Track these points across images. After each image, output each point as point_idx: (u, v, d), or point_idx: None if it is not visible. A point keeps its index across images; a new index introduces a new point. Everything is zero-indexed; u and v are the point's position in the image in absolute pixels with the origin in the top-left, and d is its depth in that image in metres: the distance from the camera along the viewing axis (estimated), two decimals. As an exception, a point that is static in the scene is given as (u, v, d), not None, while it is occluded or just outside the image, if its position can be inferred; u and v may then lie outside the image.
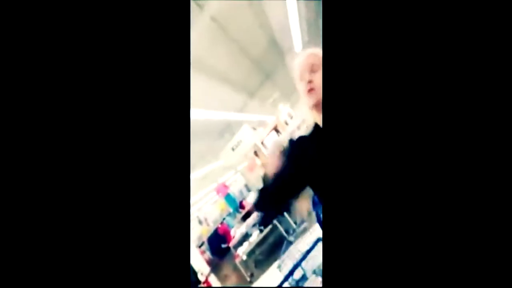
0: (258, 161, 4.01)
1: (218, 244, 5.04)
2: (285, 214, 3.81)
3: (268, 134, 3.81)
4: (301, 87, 0.88)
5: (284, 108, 3.99)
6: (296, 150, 0.93)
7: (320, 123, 0.89)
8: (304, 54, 0.92)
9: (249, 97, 6.44)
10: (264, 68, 5.85)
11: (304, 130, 0.95)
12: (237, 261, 4.30)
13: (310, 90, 0.85)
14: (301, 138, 0.94)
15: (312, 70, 0.87)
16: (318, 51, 0.92)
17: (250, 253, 4.42)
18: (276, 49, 5.54)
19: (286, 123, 3.73)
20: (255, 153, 4.13)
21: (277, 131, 3.80)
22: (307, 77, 0.86)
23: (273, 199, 0.96)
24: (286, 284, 1.93)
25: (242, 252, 4.32)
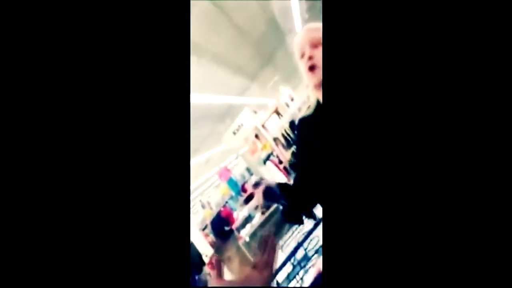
0: (259, 144, 4.02)
1: (221, 227, 5.14)
2: (287, 196, 3.85)
3: (269, 117, 3.80)
4: (302, 65, 0.82)
5: (285, 91, 3.96)
6: (302, 133, 0.89)
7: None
8: (304, 30, 0.86)
9: (250, 80, 6.38)
10: (264, 50, 5.76)
11: (305, 110, 0.91)
12: (240, 242, 4.40)
13: (312, 67, 0.79)
14: (304, 119, 0.89)
15: (313, 45, 0.80)
16: (318, 25, 0.86)
17: (253, 235, 4.50)
18: (277, 31, 5.42)
19: (287, 105, 3.71)
20: (256, 136, 4.13)
21: (278, 113, 3.79)
22: (308, 53, 0.80)
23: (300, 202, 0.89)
24: (288, 264, 1.98)
25: (245, 234, 4.40)
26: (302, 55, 0.82)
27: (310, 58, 0.80)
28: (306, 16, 5.16)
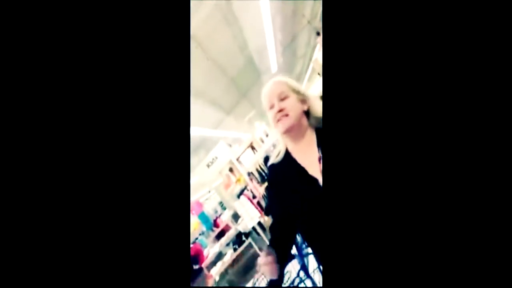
0: (233, 178, 3.99)
1: (190, 265, 4.87)
2: (260, 232, 3.79)
3: (244, 151, 3.83)
4: (271, 115, 0.89)
5: (260, 126, 4.05)
6: (273, 181, 0.92)
7: (291, 148, 0.89)
8: (271, 83, 0.92)
9: (226, 114, 6.48)
10: (241, 86, 5.95)
11: (275, 157, 0.93)
12: (210, 282, 4.16)
13: (281, 118, 0.85)
14: (274, 165, 0.93)
15: (281, 98, 0.87)
16: (285, 79, 0.92)
17: (224, 274, 4.30)
18: (253, 69, 5.67)
19: (262, 141, 3.78)
20: (230, 170, 4.11)
21: (252, 148, 3.83)
22: (277, 105, 0.87)
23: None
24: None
25: (215, 272, 4.19)
26: (271, 107, 0.89)
27: (280, 110, 0.86)
28: (281, 60, 5.46)
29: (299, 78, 9.37)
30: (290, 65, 7.29)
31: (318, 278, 2.06)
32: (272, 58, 5.26)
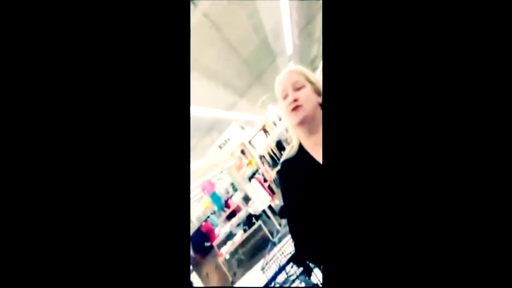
0: (245, 160, 4.02)
1: (201, 242, 5.03)
2: (270, 215, 3.84)
3: (256, 133, 3.83)
4: (284, 106, 0.85)
5: (273, 109, 4.02)
6: (286, 177, 0.89)
7: (304, 142, 0.86)
8: (286, 72, 0.89)
9: (239, 96, 6.44)
10: (255, 68, 5.87)
11: (288, 151, 0.90)
12: (220, 260, 4.30)
13: (296, 108, 0.82)
14: (287, 161, 0.89)
15: (296, 88, 0.84)
16: (301, 68, 0.89)
17: (234, 253, 4.42)
18: (268, 51, 5.56)
19: (275, 124, 3.76)
20: (242, 152, 4.13)
21: (265, 131, 3.82)
22: (291, 95, 0.83)
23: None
24: None
25: (225, 251, 4.32)
26: (285, 97, 0.86)
27: (295, 100, 0.84)
28: (297, 41, 5.32)
29: (314, 62, 9.15)
30: (306, 48, 7.10)
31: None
32: (288, 40, 5.13)
